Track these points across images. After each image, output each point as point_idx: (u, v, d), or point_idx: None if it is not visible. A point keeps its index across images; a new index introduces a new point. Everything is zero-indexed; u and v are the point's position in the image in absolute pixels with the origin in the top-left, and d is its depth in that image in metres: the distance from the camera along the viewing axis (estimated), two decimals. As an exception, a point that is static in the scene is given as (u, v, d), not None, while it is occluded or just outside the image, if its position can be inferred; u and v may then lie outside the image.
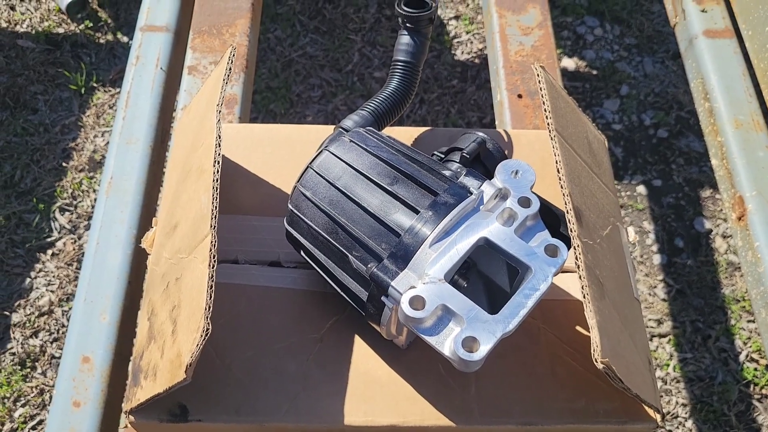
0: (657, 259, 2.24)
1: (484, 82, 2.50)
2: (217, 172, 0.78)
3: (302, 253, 0.86)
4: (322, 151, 0.83)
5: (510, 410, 0.83)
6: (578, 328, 0.90)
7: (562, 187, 0.78)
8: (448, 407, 0.83)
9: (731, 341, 2.11)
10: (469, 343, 0.67)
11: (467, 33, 2.62)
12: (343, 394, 0.84)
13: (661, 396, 2.01)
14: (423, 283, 0.71)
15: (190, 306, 0.74)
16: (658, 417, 0.82)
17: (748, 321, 2.14)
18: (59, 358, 1.87)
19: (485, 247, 0.76)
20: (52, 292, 1.96)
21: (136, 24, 1.69)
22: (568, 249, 0.75)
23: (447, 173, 0.80)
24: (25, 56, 2.38)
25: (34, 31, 2.45)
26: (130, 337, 1.32)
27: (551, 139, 0.82)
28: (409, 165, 0.80)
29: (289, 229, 0.84)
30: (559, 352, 0.88)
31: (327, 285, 0.93)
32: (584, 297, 0.73)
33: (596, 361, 0.69)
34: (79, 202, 2.12)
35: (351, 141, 0.83)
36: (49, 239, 2.04)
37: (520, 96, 1.39)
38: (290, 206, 0.83)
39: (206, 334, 0.69)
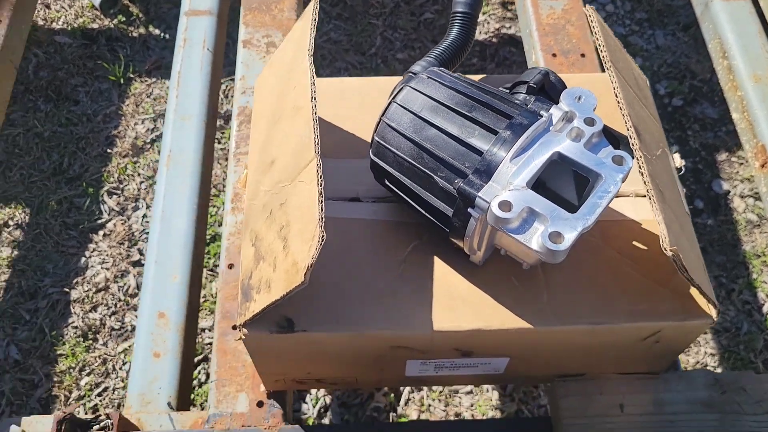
0: (678, 220, 2.34)
1: (503, 59, 2.60)
2: (315, 107, 0.88)
3: (386, 181, 0.96)
4: (402, 87, 0.93)
5: (580, 313, 0.93)
6: (635, 243, 0.99)
7: (621, 109, 0.88)
8: (524, 312, 0.93)
9: (754, 294, 2.20)
10: (555, 237, 0.77)
11: (483, 14, 2.72)
12: (430, 305, 0.94)
13: (690, 347, 2.10)
14: (508, 191, 0.81)
15: (301, 221, 0.84)
16: (714, 313, 0.92)
17: (771, 274, 2.23)
18: (118, 329, 1.97)
19: (553, 165, 0.85)
20: (106, 269, 2.06)
21: (181, 10, 1.78)
22: (630, 161, 0.84)
23: (517, 101, 0.90)
24: (64, 51, 2.49)
25: (69, 28, 2.56)
26: (198, 294, 1.42)
27: (607, 69, 0.91)
28: (483, 95, 0.90)
29: (375, 159, 0.94)
30: (620, 264, 0.97)
31: (404, 215, 1.03)
32: (650, 198, 0.82)
33: (665, 250, 0.79)
34: (125, 185, 2.22)
35: (429, 77, 0.92)
36: (99, 221, 2.14)
37: (554, 55, 1.49)
38: (376, 138, 0.93)
39: (322, 241, 0.78)
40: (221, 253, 1.29)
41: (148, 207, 2.19)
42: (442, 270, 0.97)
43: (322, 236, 0.79)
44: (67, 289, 2.02)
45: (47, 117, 2.33)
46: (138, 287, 2.04)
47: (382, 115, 0.92)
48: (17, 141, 2.27)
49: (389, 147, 0.91)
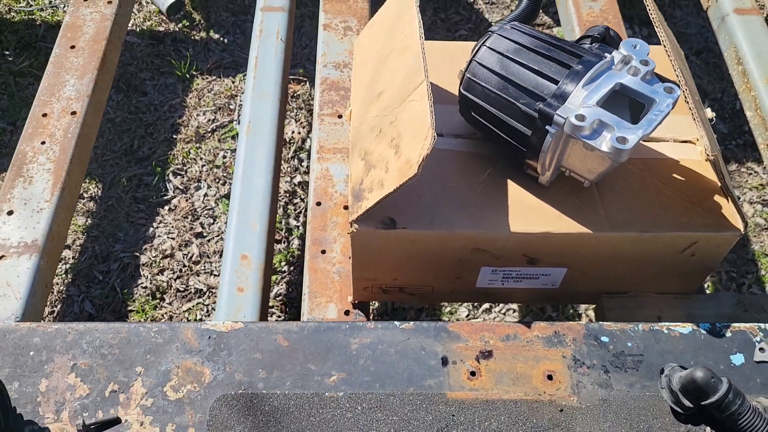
0: (692, 221, 2.54)
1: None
2: (423, 44, 1.09)
3: (473, 113, 1.17)
4: (490, 35, 1.14)
5: (630, 223, 1.13)
6: (674, 175, 1.20)
7: (669, 56, 1.10)
8: (584, 221, 1.13)
9: (762, 288, 2.39)
10: (621, 140, 0.98)
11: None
12: (506, 213, 1.14)
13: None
14: (582, 107, 1.02)
15: (413, 129, 1.04)
16: (741, 226, 1.12)
17: (777, 271, 2.42)
18: (183, 291, 2.15)
19: (614, 96, 1.07)
20: (172, 239, 2.25)
21: (256, 6, 2.02)
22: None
23: (585, 47, 1.11)
24: (133, 49, 2.73)
25: (138, 29, 2.81)
26: (272, 242, 1.61)
27: (657, 27, 1.13)
28: (557, 41, 1.12)
29: (465, 93, 1.15)
30: (662, 189, 1.18)
31: (481, 149, 1.23)
32: (693, 116, 1.03)
33: (707, 156, 0.99)
34: (189, 167, 2.43)
35: (512, 28, 1.14)
36: (165, 197, 2.35)
37: (594, 46, 1.72)
38: (467, 75, 1.14)
39: (434, 140, 0.99)
40: (309, 194, 1.49)
41: (209, 187, 2.40)
42: (514, 190, 1.18)
43: (434, 137, 0.99)
44: (137, 254, 2.21)
45: (118, 105, 2.56)
46: (200, 256, 2.23)
47: (473, 56, 1.14)
48: (91, 124, 2.49)
49: (479, 81, 1.13)
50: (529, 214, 1.14)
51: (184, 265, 2.21)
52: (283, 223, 2.34)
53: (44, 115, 1.58)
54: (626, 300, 1.26)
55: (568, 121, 1.01)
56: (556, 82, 1.07)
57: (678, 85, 1.07)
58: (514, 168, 1.19)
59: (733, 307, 1.25)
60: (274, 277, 2.19)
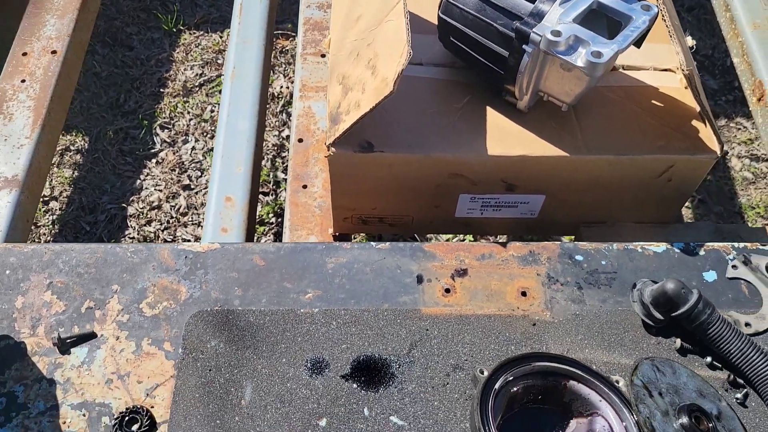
0: (681, 175, 2.54)
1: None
2: (398, -34, 1.08)
3: (451, 37, 1.16)
4: (468, -41, 1.13)
5: (607, 146, 1.13)
6: (653, 101, 1.20)
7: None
8: (562, 145, 1.13)
9: (749, 240, 2.40)
10: (596, 54, 0.98)
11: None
12: (484, 137, 1.14)
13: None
14: (558, 24, 1.01)
15: (389, 48, 1.04)
16: (718, 149, 1.12)
17: (764, 224, 2.43)
18: (171, 241, 2.15)
19: (591, 15, 1.06)
20: (160, 191, 2.25)
21: (242, -46, 1.99)
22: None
23: (562, -32, 1.11)
24: (119, 3, 2.71)
25: (125, -16, 2.78)
26: (257, 185, 1.61)
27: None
28: (534, -37, 1.11)
29: (443, 16, 1.15)
30: (641, 115, 1.18)
31: (460, 76, 1.23)
32: (670, 33, 1.03)
33: (682, 70, 0.99)
34: (176, 121, 2.42)
35: (489, -48, 1.13)
36: (152, 150, 2.34)
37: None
38: (445, -1, 1.14)
39: (409, 55, 0.98)
40: (291, 131, 1.49)
41: (196, 140, 2.39)
42: (493, 116, 1.18)
43: (409, 52, 0.99)
44: (124, 206, 2.21)
45: (104, 59, 2.54)
46: (188, 208, 2.23)
47: (451, -20, 1.13)
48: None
49: (456, 3, 1.12)
50: (506, 138, 1.14)
51: (172, 217, 2.21)
52: (270, 176, 2.34)
53: (24, 54, 1.57)
54: (604, 229, 1.26)
55: (544, 37, 1.00)
56: (533, 1, 1.06)
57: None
58: (493, 95, 1.19)
59: (711, 235, 1.26)
60: (261, 228, 2.19)
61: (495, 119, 1.17)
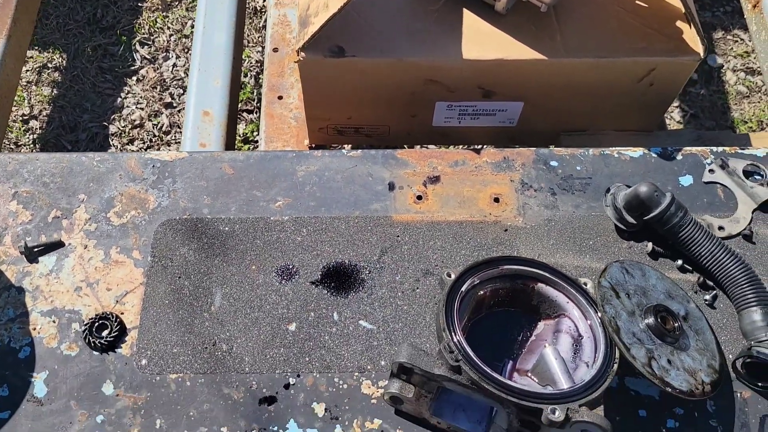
0: (674, 89, 2.49)
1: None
2: None
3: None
4: None
5: (587, 48, 1.09)
6: (637, 2, 1.15)
7: None
8: (540, 48, 1.09)
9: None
10: (573, -53, 0.93)
11: None
12: (460, 41, 1.09)
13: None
14: None
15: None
16: (701, 50, 1.08)
17: (755, 138, 2.40)
18: (154, 160, 2.13)
19: None
20: (141, 109, 2.21)
21: None
22: None
23: None
24: None
25: None
26: (236, 99, 1.57)
27: None
28: None
29: None
30: (624, 16, 1.13)
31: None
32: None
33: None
34: (156, 37, 2.35)
35: None
36: (132, 67, 2.28)
37: None
38: None
39: (377, -50, 0.93)
40: (266, 40, 1.44)
41: (177, 57, 2.33)
42: (470, 18, 1.13)
43: (377, -53, 0.93)
44: (105, 124, 2.17)
45: (80, -28, 2.44)
46: (171, 126, 2.19)
47: None
48: (52, -7, 2.39)
49: None
50: (483, 41, 1.10)
51: (155, 135, 2.17)
52: (254, 93, 2.29)
53: (-14, -39, 1.50)
54: (584, 138, 1.24)
55: (519, -71, 0.95)
56: None
57: None
58: (471, -3, 1.14)
59: (693, 143, 1.23)
60: (245, 147, 2.16)
61: (472, 22, 1.13)
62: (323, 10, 1.03)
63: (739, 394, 0.87)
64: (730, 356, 0.89)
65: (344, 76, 1.11)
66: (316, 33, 1.03)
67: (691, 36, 1.10)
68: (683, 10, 1.12)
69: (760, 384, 0.85)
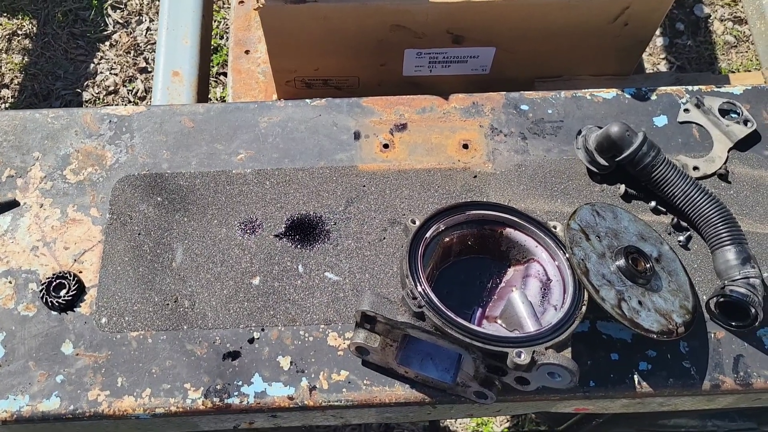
0: (660, 41, 2.45)
1: None
2: None
3: None
4: None
5: (559, -12, 1.05)
6: (610, -61, 1.10)
7: None
8: (510, -12, 1.05)
9: (727, 106, 2.34)
10: None
11: None
12: (426, -17, 1.05)
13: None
14: None
15: None
16: (676, -14, 1.04)
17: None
18: (129, 126, 2.09)
19: None
20: (115, 75, 2.16)
21: None
22: None
23: None
24: None
25: None
26: (208, 60, 1.53)
27: None
28: None
29: None
30: (596, -46, 1.09)
31: None
32: None
33: None
34: (128, 1, 2.29)
35: None
36: (105, 32, 2.22)
37: None
38: None
39: None
40: (232, -7, 1.39)
41: (151, 21, 2.27)
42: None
43: None
44: (78, 91, 2.12)
45: (47, -64, 2.37)
46: (146, 91, 2.15)
47: None
48: (19, -43, 2.32)
49: None
50: (450, -19, 1.06)
51: (129, 101, 2.13)
52: (231, 56, 2.23)
53: None
54: (559, 83, 1.21)
55: None
56: None
57: None
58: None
59: (671, 85, 1.20)
60: (223, 110, 2.12)
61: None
62: (281, -47, 0.98)
63: (712, 335, 0.85)
64: (704, 297, 0.87)
65: (308, 24, 1.07)
66: (274, -23, 0.99)
67: (665, -28, 1.06)
68: (658, -54, 1.08)
69: (733, 323, 0.84)
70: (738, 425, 1.38)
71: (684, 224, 0.91)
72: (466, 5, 1.05)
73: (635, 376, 0.83)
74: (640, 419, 1.29)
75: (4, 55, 2.17)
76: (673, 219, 0.92)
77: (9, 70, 2.15)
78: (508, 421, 1.87)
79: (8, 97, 2.12)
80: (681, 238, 0.91)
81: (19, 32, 2.21)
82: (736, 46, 2.46)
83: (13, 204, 0.93)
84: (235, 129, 0.99)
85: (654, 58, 2.41)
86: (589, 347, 0.84)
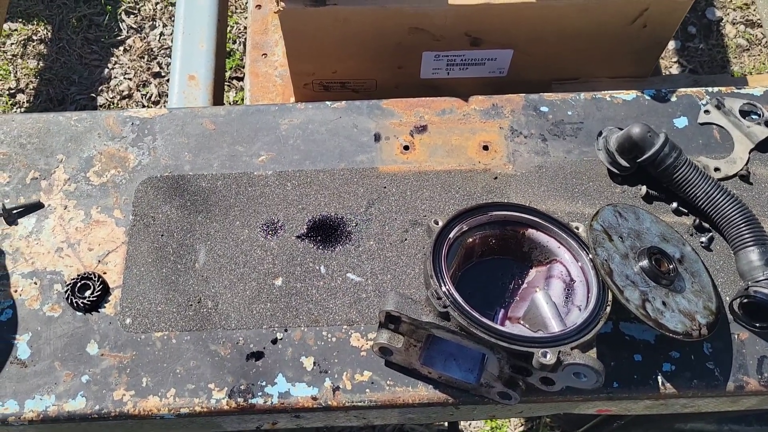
0: (672, 44, 2.45)
1: None
2: None
3: None
4: None
5: (578, -10, 1.06)
6: (628, -59, 1.11)
7: None
8: (528, -9, 1.05)
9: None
10: None
11: None
12: (445, -14, 1.06)
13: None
14: None
15: None
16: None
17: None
18: (144, 130, 2.10)
19: None
20: (129, 79, 2.17)
21: None
22: None
23: None
24: None
25: None
26: (223, 63, 1.54)
27: None
28: None
29: None
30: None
31: None
32: None
33: None
34: (142, 6, 2.31)
35: None
36: (119, 37, 2.24)
37: None
38: None
39: None
40: (249, -3, 1.40)
41: (164, 26, 2.28)
42: (455, -37, 1.09)
43: None
44: (93, 95, 2.14)
45: (62, -58, 2.39)
46: (160, 96, 2.16)
47: None
48: (34, -37, 2.34)
49: None
50: (468, -15, 1.06)
51: (143, 105, 2.14)
52: (244, 60, 2.25)
53: (-41, -75, 1.46)
54: (577, 86, 1.21)
55: None
56: None
57: None
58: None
59: (690, 87, 1.20)
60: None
61: (457, -34, 1.09)
62: (301, -43, 0.99)
63: (736, 336, 0.85)
64: (727, 298, 0.87)
65: (326, 26, 1.08)
66: (294, -19, 1.00)
67: (684, -26, 1.06)
68: (676, -52, 1.08)
69: (757, 324, 0.83)
70: (755, 429, 1.37)
71: (706, 225, 0.91)
72: (484, 8, 1.05)
73: (659, 377, 0.83)
74: (657, 423, 1.29)
75: (19, 60, 2.19)
76: (695, 220, 0.92)
77: (24, 75, 2.17)
78: (522, 425, 1.87)
79: (24, 102, 2.14)
80: (703, 239, 0.91)
81: (35, 37, 2.23)
82: (748, 49, 2.46)
83: (37, 206, 0.94)
84: (256, 131, 1.00)
85: (666, 61, 2.41)
86: (612, 348, 0.84)
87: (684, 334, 0.78)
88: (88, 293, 0.88)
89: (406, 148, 0.98)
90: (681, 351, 0.84)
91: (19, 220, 0.93)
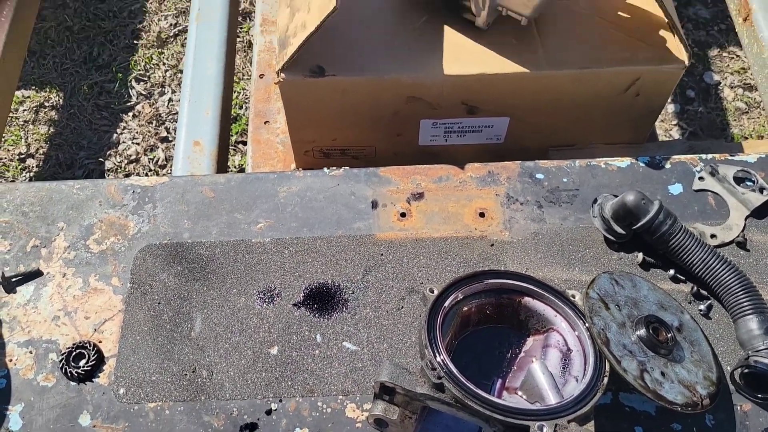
0: (671, 107, 2.48)
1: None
2: None
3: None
4: None
5: (570, 60, 1.08)
6: (620, 13, 1.14)
7: None
8: (522, 61, 1.08)
9: (741, 171, 2.34)
10: (547, -43, 0.92)
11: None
12: (441, 57, 1.09)
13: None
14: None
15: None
16: (686, 57, 1.07)
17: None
18: (150, 194, 2.13)
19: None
20: (137, 144, 2.21)
21: None
22: None
23: None
24: (89, -44, 2.63)
25: (94, -64, 2.69)
26: (228, 128, 1.57)
27: None
28: None
29: (394, -69, 1.09)
30: (606, 28, 1.12)
31: (418, -4, 1.17)
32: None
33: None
34: (151, 73, 2.37)
35: None
36: (129, 104, 2.29)
37: None
38: None
39: (351, -31, 0.93)
40: (253, 67, 1.44)
41: (173, 92, 2.34)
42: (451, 35, 1.12)
43: (351, -34, 0.93)
44: (101, 160, 2.18)
45: (76, 13, 2.48)
46: (167, 160, 2.20)
47: None
48: (49, 33, 2.42)
49: None
50: (464, 57, 1.09)
51: (150, 169, 2.18)
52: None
53: (-24, 0, 1.52)
54: (573, 152, 1.22)
55: (493, -58, 0.94)
56: None
57: None
58: (451, 14, 1.14)
59: (684, 153, 1.21)
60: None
61: (453, 38, 1.12)
62: (301, 30, 1.02)
63: (738, 407, 0.83)
64: (728, 367, 0.86)
65: (326, 96, 1.10)
66: (294, 53, 1.03)
67: (674, 44, 1.09)
68: (666, 20, 1.11)
69: (759, 395, 0.82)
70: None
71: (704, 293, 0.91)
72: (479, 78, 1.07)
73: (661, 450, 0.81)
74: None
75: (31, 126, 2.24)
76: (692, 287, 0.91)
77: (35, 140, 2.21)
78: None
79: (33, 167, 2.18)
80: (702, 307, 0.90)
81: (46, 104, 2.29)
82: (747, 112, 2.49)
83: (36, 274, 0.95)
84: (254, 199, 1.01)
85: (666, 125, 2.44)
86: (612, 420, 0.83)
87: (683, 405, 0.77)
88: (82, 362, 0.87)
89: (403, 215, 0.99)
90: (683, 423, 0.82)
91: (17, 288, 0.94)
